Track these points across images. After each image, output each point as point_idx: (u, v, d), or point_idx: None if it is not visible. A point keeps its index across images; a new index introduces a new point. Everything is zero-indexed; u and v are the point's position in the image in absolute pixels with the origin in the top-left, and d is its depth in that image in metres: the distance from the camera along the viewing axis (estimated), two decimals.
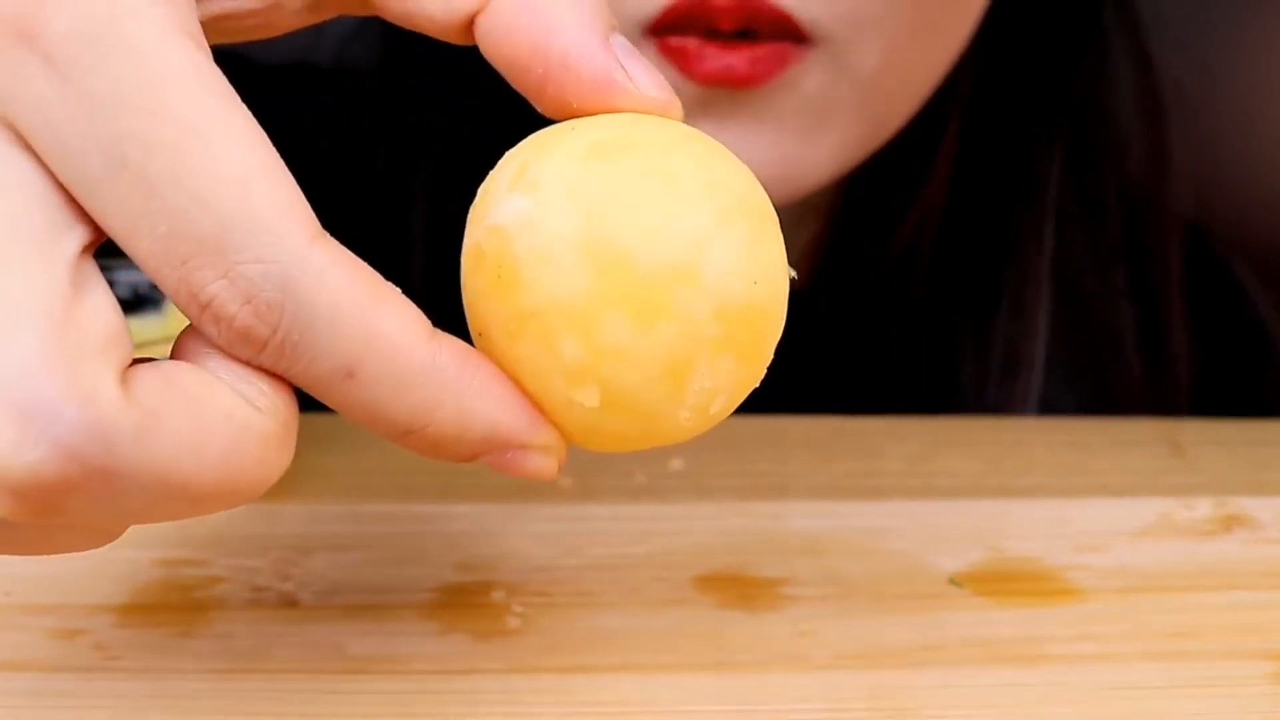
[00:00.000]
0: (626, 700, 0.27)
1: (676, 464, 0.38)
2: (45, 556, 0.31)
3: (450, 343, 0.23)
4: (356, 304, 0.22)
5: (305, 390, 0.23)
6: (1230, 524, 0.36)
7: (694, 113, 0.42)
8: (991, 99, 0.51)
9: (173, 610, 0.30)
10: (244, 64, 0.62)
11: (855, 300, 0.52)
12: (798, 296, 0.58)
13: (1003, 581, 0.32)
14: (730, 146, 0.40)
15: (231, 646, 0.29)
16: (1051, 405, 0.50)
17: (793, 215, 0.53)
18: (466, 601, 0.31)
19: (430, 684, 0.28)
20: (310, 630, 0.29)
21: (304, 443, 0.39)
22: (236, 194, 0.21)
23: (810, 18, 0.41)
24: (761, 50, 0.41)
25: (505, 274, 0.23)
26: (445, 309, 0.57)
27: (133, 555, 0.32)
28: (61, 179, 0.21)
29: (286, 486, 0.37)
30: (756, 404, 0.52)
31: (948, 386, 0.51)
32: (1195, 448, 0.41)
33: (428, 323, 0.23)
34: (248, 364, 0.22)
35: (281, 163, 0.22)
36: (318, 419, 0.41)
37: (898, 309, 0.52)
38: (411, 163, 0.54)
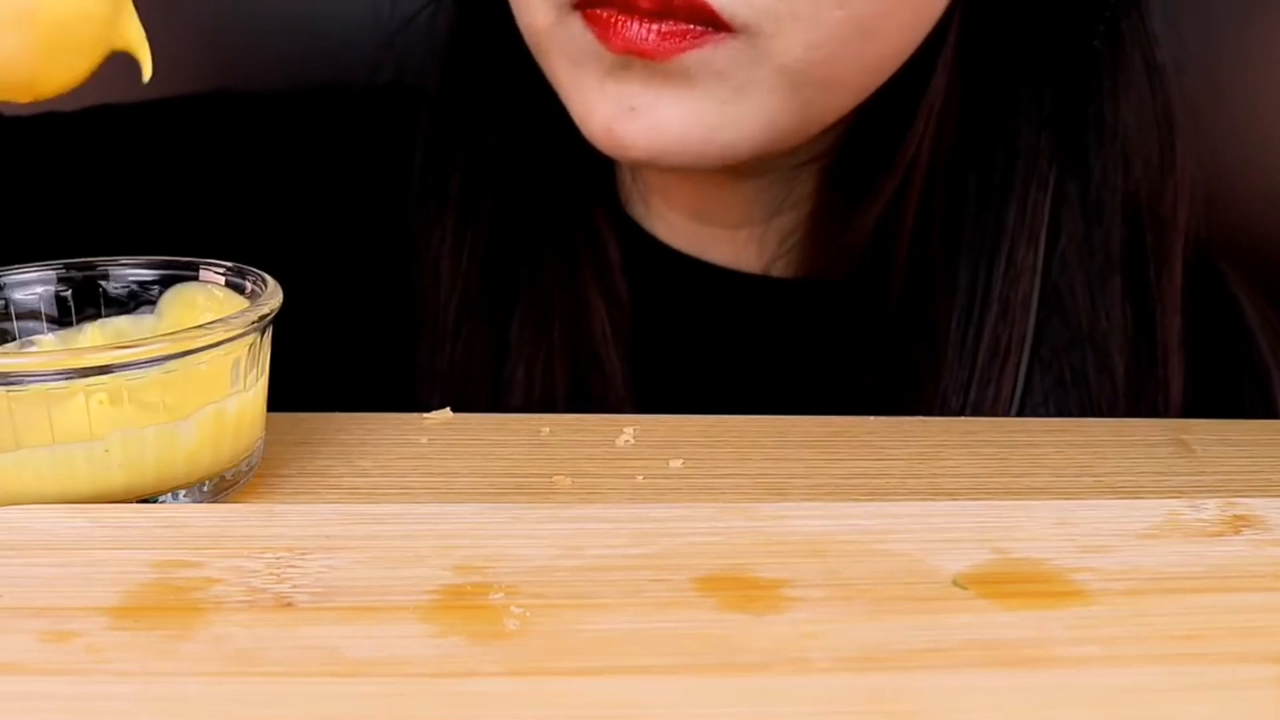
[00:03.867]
0: (626, 703, 0.27)
1: (676, 464, 0.38)
2: (36, 559, 0.31)
3: None
4: None
5: None
6: (1238, 525, 0.35)
7: (620, 74, 0.45)
8: (987, 94, 0.51)
9: (167, 612, 0.30)
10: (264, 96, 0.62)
11: (840, 291, 0.53)
12: (785, 287, 0.58)
13: (1007, 583, 0.32)
14: (653, 105, 0.46)
15: (226, 649, 0.28)
16: (1031, 413, 0.50)
17: (774, 202, 0.53)
18: (464, 603, 0.30)
19: (428, 687, 0.27)
20: (306, 633, 0.29)
21: (301, 443, 0.39)
22: None
23: (728, 9, 0.43)
24: (671, 27, 0.43)
25: None
26: (472, 322, 0.57)
27: (126, 556, 0.31)
28: None
29: (284, 487, 0.37)
30: (746, 392, 0.52)
31: (930, 382, 0.51)
32: (1203, 448, 0.41)
33: None
34: None
35: None
36: (316, 419, 0.41)
37: (884, 301, 0.52)
38: (443, 181, 0.55)
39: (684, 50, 0.44)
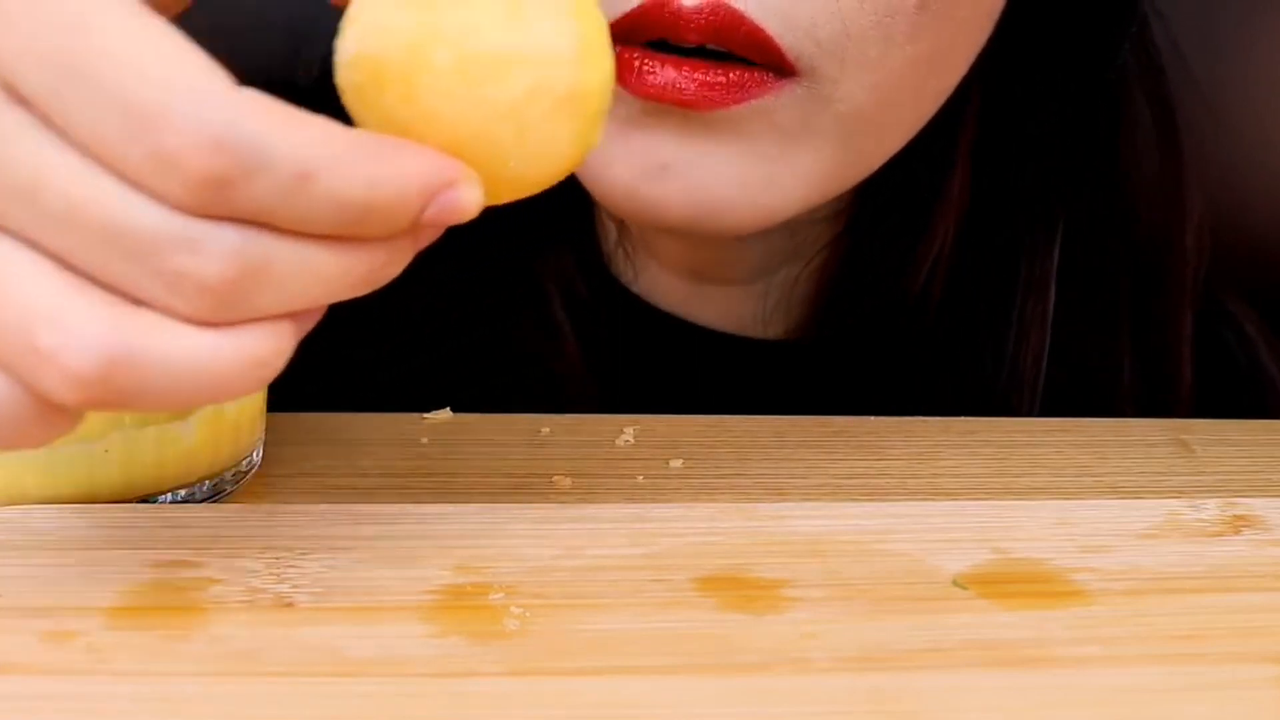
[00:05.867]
0: (626, 703, 0.27)
1: (676, 464, 0.38)
2: (36, 559, 0.31)
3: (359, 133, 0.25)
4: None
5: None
6: (1238, 525, 0.35)
7: (647, 122, 0.38)
8: (1000, 150, 0.49)
9: (167, 612, 0.30)
10: None
11: (849, 349, 0.50)
12: (790, 346, 0.54)
13: (1007, 583, 0.32)
14: (692, 162, 0.39)
15: (227, 649, 0.28)
16: None
17: (780, 257, 0.50)
18: (464, 603, 0.30)
19: (427, 687, 0.27)
20: (306, 633, 0.29)
21: (301, 443, 0.39)
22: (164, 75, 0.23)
23: (794, 48, 0.37)
24: (721, 75, 0.37)
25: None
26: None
27: (126, 556, 0.31)
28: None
29: (284, 487, 0.37)
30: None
31: None
32: (1203, 448, 0.41)
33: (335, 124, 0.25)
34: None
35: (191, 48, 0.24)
36: (316, 419, 0.41)
37: (892, 357, 0.50)
38: None
39: (736, 103, 0.37)
